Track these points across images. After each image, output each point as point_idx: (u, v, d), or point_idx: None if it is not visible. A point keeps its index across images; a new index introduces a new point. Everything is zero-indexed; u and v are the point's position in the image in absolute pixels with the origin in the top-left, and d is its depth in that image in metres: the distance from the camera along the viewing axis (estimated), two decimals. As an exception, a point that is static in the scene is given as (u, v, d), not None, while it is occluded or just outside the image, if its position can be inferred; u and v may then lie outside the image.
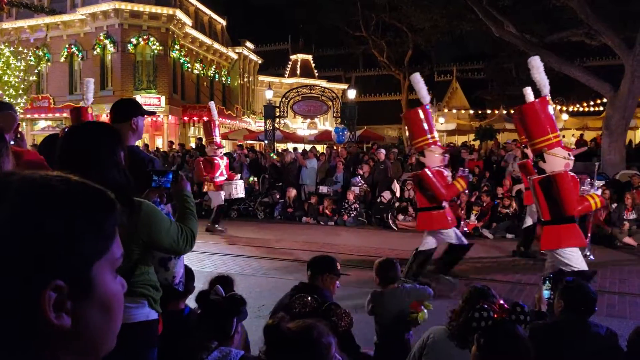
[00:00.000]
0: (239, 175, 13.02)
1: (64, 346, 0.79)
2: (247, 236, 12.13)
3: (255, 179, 16.40)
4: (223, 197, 12.30)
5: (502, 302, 2.51)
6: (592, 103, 27.65)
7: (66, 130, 2.50)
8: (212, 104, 13.21)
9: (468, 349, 2.62)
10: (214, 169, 12.06)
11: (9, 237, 0.75)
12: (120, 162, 2.40)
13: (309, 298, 2.78)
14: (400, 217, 13.71)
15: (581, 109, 28.89)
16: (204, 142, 14.55)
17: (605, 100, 18.28)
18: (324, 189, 15.22)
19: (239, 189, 12.68)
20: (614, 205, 11.99)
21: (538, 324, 3.44)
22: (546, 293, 3.55)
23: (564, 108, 27.45)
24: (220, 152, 12.61)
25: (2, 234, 0.75)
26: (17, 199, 0.77)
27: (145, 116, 3.48)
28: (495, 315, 2.30)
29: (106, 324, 0.84)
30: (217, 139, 12.53)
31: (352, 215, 14.04)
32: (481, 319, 2.28)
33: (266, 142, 21.43)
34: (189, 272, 3.74)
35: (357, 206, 14.16)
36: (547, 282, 3.59)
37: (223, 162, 12.39)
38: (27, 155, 3.29)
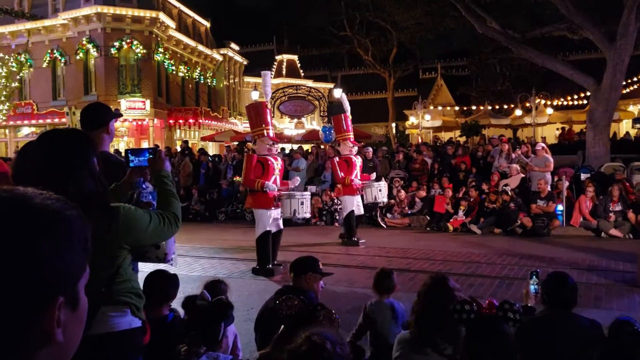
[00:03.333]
0: (374, 175, 11.57)
1: (47, 357, 0.81)
2: (235, 238, 12.09)
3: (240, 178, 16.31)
4: (360, 203, 10.94)
5: (493, 300, 2.52)
6: (575, 97, 27.88)
7: (37, 139, 2.43)
8: (343, 96, 11.61)
9: (435, 352, 2.64)
10: (351, 169, 10.67)
11: (14, 256, 0.77)
12: (94, 170, 2.37)
13: (296, 300, 2.77)
14: (389, 215, 13.74)
15: (565, 102, 29.12)
16: (337, 139, 11.65)
17: (588, 93, 18.44)
18: (312, 189, 15.21)
19: (383, 192, 11.14)
20: (600, 198, 12.11)
21: (525, 318, 3.46)
22: (533, 288, 3.57)
23: (548, 102, 27.65)
24: (355, 151, 11.12)
25: (7, 253, 0.76)
26: (16, 218, 0.79)
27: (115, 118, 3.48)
28: (484, 312, 2.32)
29: (80, 335, 0.88)
30: (351, 135, 11.02)
31: (334, 215, 14.05)
32: (463, 312, 2.29)
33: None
34: (171, 279, 3.72)
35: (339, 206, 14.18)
36: (534, 276, 3.61)
37: (358, 162, 11.01)
38: None
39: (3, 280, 0.75)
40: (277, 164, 8.41)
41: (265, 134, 8.38)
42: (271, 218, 8.37)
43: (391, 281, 4.34)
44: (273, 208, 8.35)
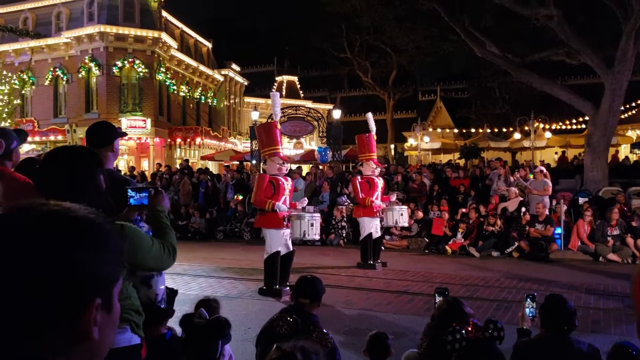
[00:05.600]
0: (394, 196, 11.45)
1: (81, 356, 0.91)
2: (234, 257, 12.07)
3: (240, 197, 16.35)
4: (378, 226, 10.70)
5: (474, 320, 2.52)
6: (574, 121, 28.08)
7: (45, 154, 2.48)
8: (369, 115, 11.19)
9: None
10: (372, 190, 10.44)
11: (58, 261, 0.87)
12: (100, 186, 2.40)
13: (289, 318, 2.78)
14: (387, 237, 13.72)
15: (563, 127, 29.30)
16: (359, 159, 11.35)
17: (587, 118, 18.57)
18: (310, 209, 15.21)
19: (404, 216, 10.97)
20: (598, 222, 12.12)
21: (522, 342, 3.46)
22: (528, 311, 3.57)
23: (547, 126, 27.80)
24: (378, 172, 10.96)
25: (53, 258, 0.86)
26: (62, 228, 0.90)
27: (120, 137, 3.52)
28: (470, 335, 2.31)
29: (112, 337, 0.99)
30: (375, 155, 10.86)
31: (341, 233, 14.06)
32: (454, 341, 2.28)
33: (253, 162, 21.45)
34: (169, 296, 3.71)
35: (345, 224, 14.20)
36: (529, 299, 3.62)
37: (380, 183, 10.80)
38: (13, 175, 3.25)
39: (52, 281, 0.86)
40: (288, 184, 8.43)
41: (276, 154, 8.40)
42: (282, 238, 8.35)
43: (387, 349, 3.74)
44: (283, 228, 8.34)
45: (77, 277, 0.88)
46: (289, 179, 8.69)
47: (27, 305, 0.85)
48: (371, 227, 10.58)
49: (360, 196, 10.49)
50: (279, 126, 8.77)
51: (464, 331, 2.30)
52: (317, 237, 9.34)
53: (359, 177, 10.90)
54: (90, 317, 0.89)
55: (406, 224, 11.77)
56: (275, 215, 8.22)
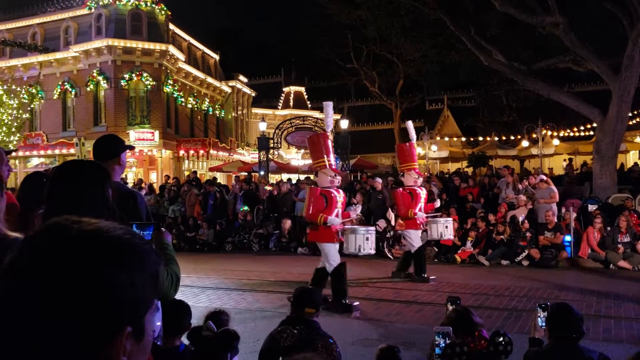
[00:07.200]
0: (437, 202, 11.15)
1: None
2: (242, 269, 12.07)
3: (247, 208, 16.39)
4: (422, 238, 10.49)
5: (483, 331, 2.49)
6: (582, 128, 27.96)
7: (54, 168, 2.50)
8: (409, 124, 10.91)
9: None
10: (415, 201, 10.11)
11: (93, 286, 0.81)
12: (109, 200, 2.41)
13: (294, 330, 2.78)
14: (396, 245, 13.68)
15: (571, 134, 29.18)
16: (399, 170, 10.96)
17: (594, 125, 18.49)
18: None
19: (449, 229, 10.63)
20: (608, 229, 12.04)
21: (531, 352, 3.44)
22: (540, 320, 3.55)
23: (555, 133, 27.71)
24: (420, 182, 10.65)
25: (87, 282, 0.81)
26: (97, 250, 0.84)
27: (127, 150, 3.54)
28: (473, 347, 2.29)
29: None
30: (417, 165, 10.55)
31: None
32: (454, 355, 2.25)
33: (261, 173, 21.51)
34: (184, 308, 3.72)
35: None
36: (539, 308, 3.59)
37: (423, 194, 10.43)
38: None
39: (82, 308, 0.80)
40: (340, 197, 8.16)
41: (327, 166, 8.14)
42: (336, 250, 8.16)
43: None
44: (336, 242, 8.18)
45: (110, 303, 0.82)
46: (341, 191, 8.36)
47: (55, 334, 0.79)
48: (419, 239, 10.30)
49: (404, 208, 10.17)
50: (331, 137, 8.57)
51: (465, 347, 2.27)
52: (373, 252, 8.86)
53: (400, 188, 10.59)
54: (120, 346, 0.84)
55: (452, 237, 11.39)
56: (329, 229, 8.03)
